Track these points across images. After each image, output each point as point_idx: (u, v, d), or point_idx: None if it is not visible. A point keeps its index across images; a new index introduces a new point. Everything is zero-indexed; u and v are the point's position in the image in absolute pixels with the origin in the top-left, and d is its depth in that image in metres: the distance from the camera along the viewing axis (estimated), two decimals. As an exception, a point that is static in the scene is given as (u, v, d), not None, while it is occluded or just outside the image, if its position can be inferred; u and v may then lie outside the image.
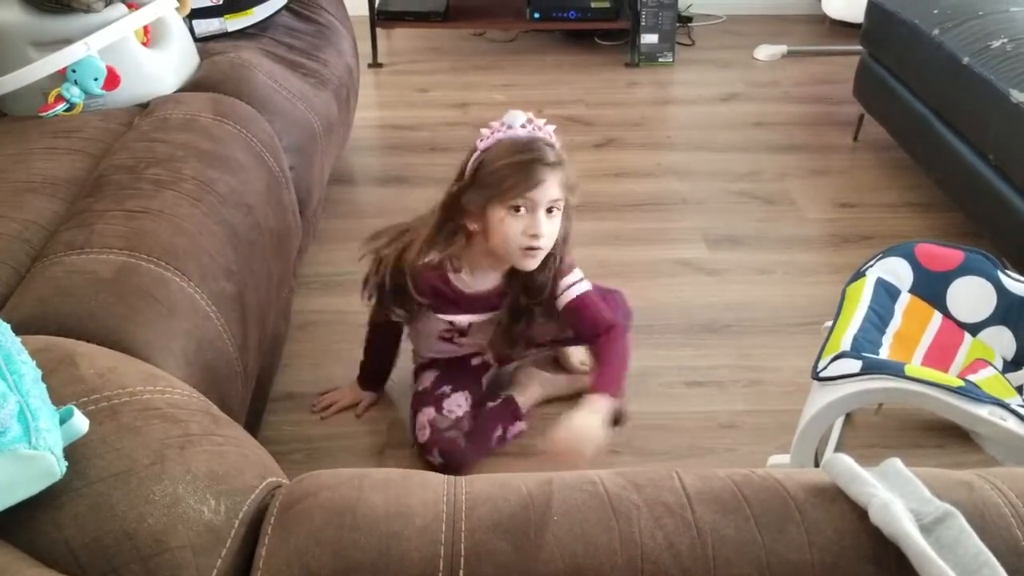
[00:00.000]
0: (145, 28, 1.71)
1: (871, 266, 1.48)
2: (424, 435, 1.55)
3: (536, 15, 3.32)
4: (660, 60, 3.33)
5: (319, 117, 1.94)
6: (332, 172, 2.19)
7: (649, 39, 3.30)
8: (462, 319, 1.57)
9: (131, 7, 1.66)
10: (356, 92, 2.43)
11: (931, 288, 1.46)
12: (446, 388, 1.61)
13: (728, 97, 3.05)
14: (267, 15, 2.07)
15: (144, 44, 1.70)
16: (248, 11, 2.03)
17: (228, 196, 1.39)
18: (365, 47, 3.11)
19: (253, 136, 1.59)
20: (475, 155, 1.42)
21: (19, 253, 1.20)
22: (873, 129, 2.58)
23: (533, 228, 1.39)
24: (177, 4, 1.78)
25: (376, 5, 3.30)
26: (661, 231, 2.26)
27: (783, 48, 3.36)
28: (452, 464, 1.51)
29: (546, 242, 1.42)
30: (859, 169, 2.57)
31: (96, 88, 1.59)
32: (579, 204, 2.28)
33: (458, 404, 1.59)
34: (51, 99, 1.57)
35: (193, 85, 1.75)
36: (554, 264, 1.49)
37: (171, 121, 1.53)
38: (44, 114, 1.57)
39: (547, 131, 1.44)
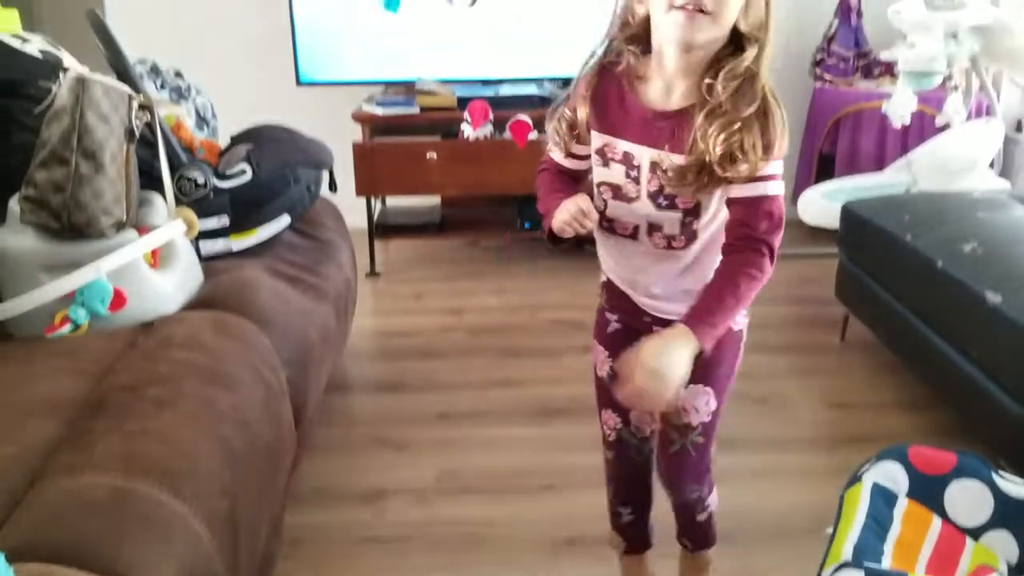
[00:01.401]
0: (153, 250, 1.79)
1: (866, 470, 1.48)
2: (611, 437, 1.49)
3: (527, 225, 3.47)
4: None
5: (317, 330, 1.99)
6: (328, 380, 2.22)
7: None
8: (638, 150, 1.25)
9: (141, 231, 1.74)
10: (354, 303, 2.50)
11: (928, 492, 1.45)
12: None
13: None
14: (271, 234, 2.16)
15: (151, 265, 1.77)
16: (253, 231, 2.12)
17: (226, 413, 1.41)
18: (363, 258, 3.22)
19: (253, 352, 1.63)
20: None
21: (16, 477, 1.20)
22: (859, 329, 2.64)
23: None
24: (186, 228, 1.86)
25: (375, 219, 3.45)
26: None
27: (766, 251, 3.47)
28: (622, 477, 1.52)
29: (711, 2, 1.11)
30: (848, 369, 2.61)
31: (102, 309, 1.64)
32: (575, 408, 2.33)
33: (647, 417, 1.44)
34: (57, 320, 1.62)
35: (197, 303, 1.80)
36: (755, 70, 1.17)
37: (173, 340, 1.57)
38: (50, 335, 1.61)
39: None
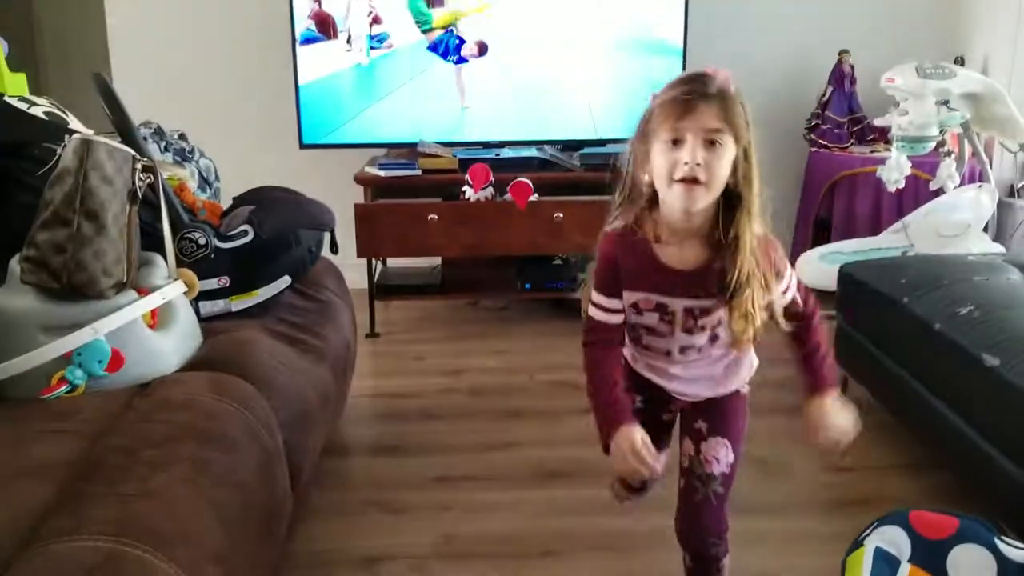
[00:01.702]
0: (153, 310, 1.79)
1: (868, 535, 1.47)
2: (636, 485, 1.70)
3: (527, 285, 3.49)
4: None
5: (316, 391, 1.99)
6: (325, 443, 2.21)
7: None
8: (670, 301, 1.43)
9: (141, 292, 1.75)
10: (353, 364, 2.50)
11: (930, 557, 1.43)
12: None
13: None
14: (271, 295, 2.17)
15: (150, 326, 1.77)
16: (254, 292, 2.13)
17: (222, 476, 1.41)
18: (363, 318, 3.23)
19: (250, 414, 1.62)
20: (646, 111, 1.39)
21: (5, 542, 1.19)
22: (858, 391, 2.62)
23: (686, 156, 1.31)
24: (186, 289, 1.87)
25: (375, 280, 3.46)
26: (656, 499, 2.22)
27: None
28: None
29: (704, 174, 1.31)
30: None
31: (99, 370, 1.64)
32: (573, 470, 2.31)
33: (662, 459, 1.53)
34: (54, 381, 1.62)
35: (195, 364, 1.80)
36: (743, 223, 1.37)
37: (170, 401, 1.57)
38: (45, 396, 1.60)
39: (725, 74, 1.36)
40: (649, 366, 1.56)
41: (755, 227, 1.39)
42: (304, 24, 3.39)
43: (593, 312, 1.49)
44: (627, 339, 1.52)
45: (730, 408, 1.58)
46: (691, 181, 1.32)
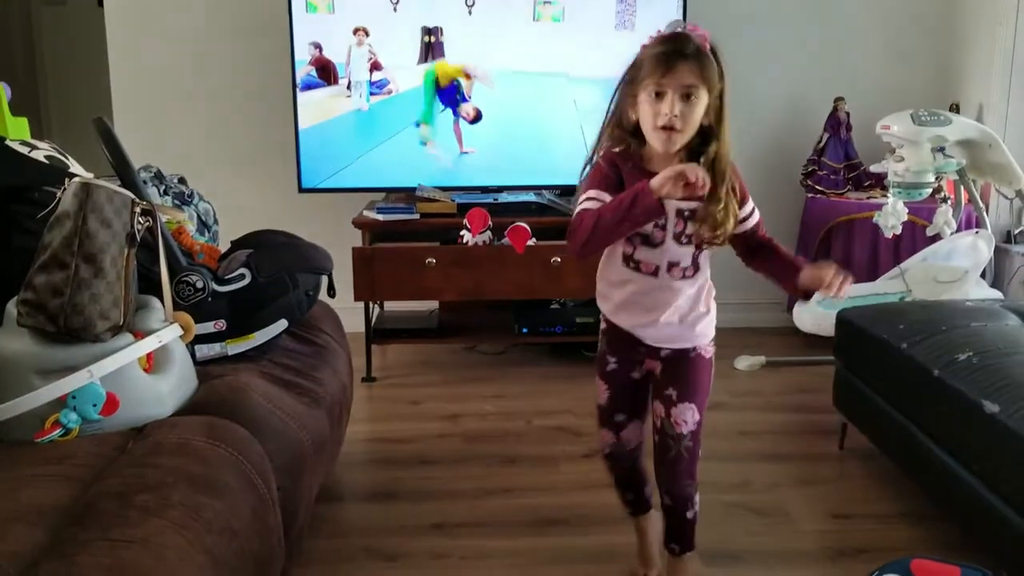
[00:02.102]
0: (148, 354, 1.78)
1: (868, 585, 1.45)
2: (606, 451, 1.91)
3: (524, 330, 3.48)
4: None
5: (311, 436, 1.97)
6: (320, 489, 2.18)
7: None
8: (666, 203, 1.60)
9: (137, 336, 1.75)
10: (349, 409, 2.48)
11: (931, 608, 1.42)
12: (621, 416, 1.87)
13: (712, 406, 3.07)
14: (268, 338, 2.16)
15: (146, 369, 1.76)
16: (250, 336, 2.12)
17: (214, 522, 1.39)
18: (360, 362, 3.22)
19: (244, 459, 1.61)
20: (633, 59, 1.64)
21: (-4, 587, 1.18)
22: (858, 437, 2.62)
23: (666, 108, 1.57)
24: (182, 332, 1.86)
25: (372, 323, 3.46)
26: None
27: (762, 359, 3.49)
28: (619, 476, 1.94)
29: (680, 123, 1.58)
30: (848, 478, 2.58)
31: (94, 414, 1.63)
32: (570, 517, 2.29)
33: (634, 435, 1.89)
34: (48, 425, 1.60)
35: (190, 408, 1.79)
36: (720, 153, 1.63)
37: (164, 446, 1.55)
38: (39, 440, 1.59)
39: (703, 33, 1.61)
40: (629, 308, 1.76)
41: (728, 151, 1.65)
42: (304, 70, 3.43)
43: (586, 204, 1.66)
44: (614, 280, 1.76)
45: (696, 374, 1.80)
46: (670, 128, 1.58)
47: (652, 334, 1.77)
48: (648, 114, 1.60)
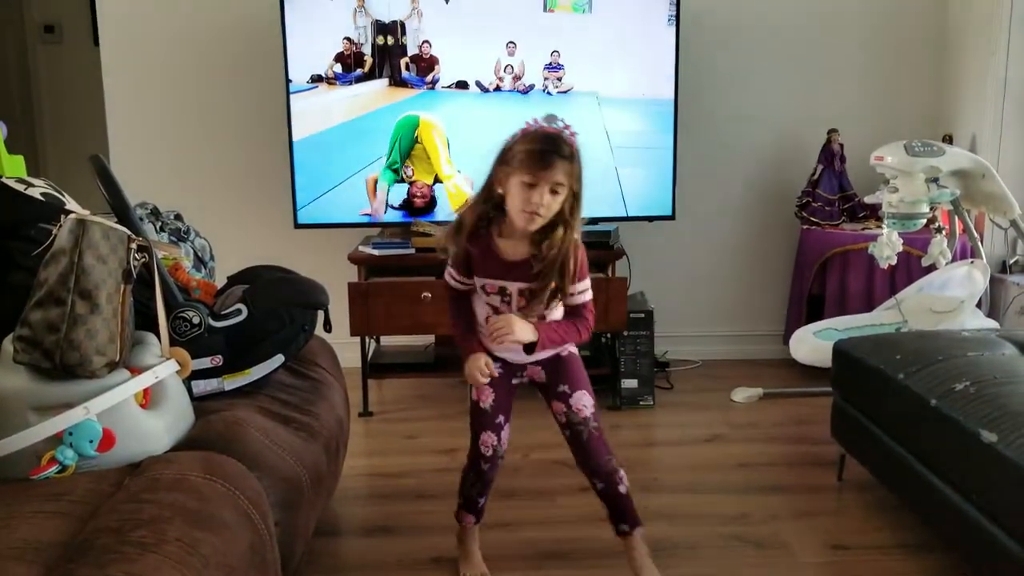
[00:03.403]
0: (145, 390, 1.78)
1: (869, 617, 1.44)
2: (488, 453, 2.13)
3: (521, 364, 3.47)
4: (641, 403, 3.44)
5: (308, 471, 1.96)
6: (317, 523, 2.17)
7: (629, 384, 3.44)
8: (508, 284, 1.97)
9: (133, 372, 1.74)
10: (345, 444, 2.47)
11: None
12: (502, 418, 2.12)
13: (711, 438, 3.12)
14: (264, 374, 2.16)
15: (142, 405, 1.76)
16: (246, 371, 2.12)
17: (211, 557, 1.38)
18: (356, 397, 3.21)
19: (241, 494, 1.60)
20: (512, 139, 1.89)
21: (-10, 626, 1.17)
22: (856, 468, 2.61)
23: (536, 199, 1.84)
24: (178, 368, 1.86)
25: (369, 358, 3.45)
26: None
27: (759, 391, 3.49)
28: (489, 479, 2.19)
29: (544, 211, 1.85)
30: (847, 509, 2.57)
31: (91, 450, 1.62)
32: (568, 551, 2.29)
33: (507, 435, 2.14)
34: (44, 462, 1.60)
35: (186, 443, 1.78)
36: (565, 239, 1.90)
37: (161, 481, 1.55)
38: (35, 476, 1.58)
39: (571, 134, 1.89)
40: (497, 350, 2.06)
41: (573, 236, 1.92)
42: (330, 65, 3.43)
43: (450, 281, 2.07)
44: (478, 325, 2.07)
45: (574, 368, 2.09)
46: (535, 213, 1.85)
47: (518, 360, 2.09)
48: (518, 198, 1.86)
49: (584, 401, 2.07)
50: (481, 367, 2.01)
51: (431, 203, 3.51)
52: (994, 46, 3.54)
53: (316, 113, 3.45)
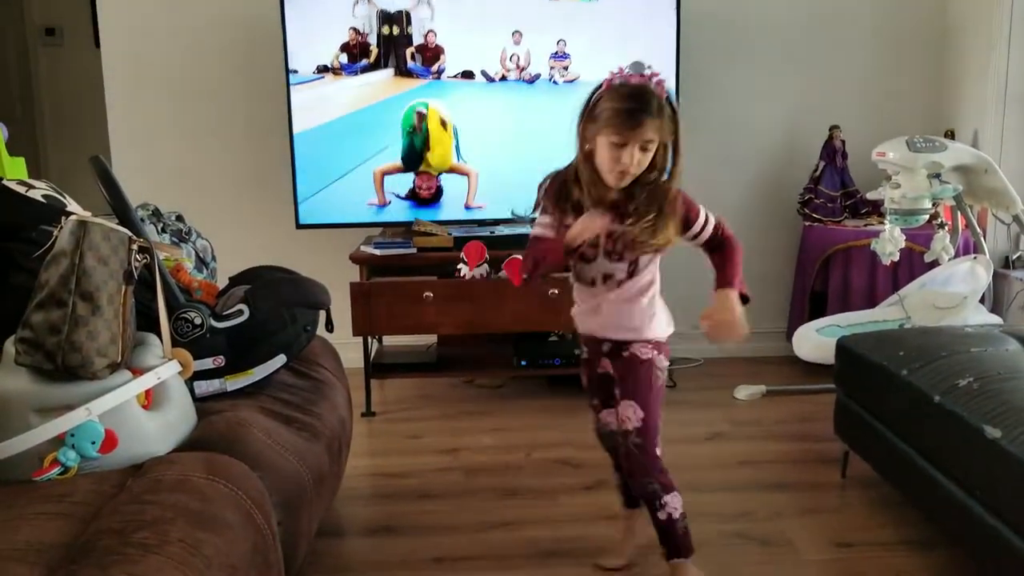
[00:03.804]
0: (147, 391, 1.78)
1: (873, 614, 1.44)
2: (594, 426, 2.14)
3: (523, 363, 3.47)
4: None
5: (310, 471, 1.96)
6: (320, 524, 2.17)
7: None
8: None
9: (135, 373, 1.74)
10: (348, 444, 2.47)
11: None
12: (595, 400, 2.10)
13: (713, 436, 3.11)
14: (267, 374, 2.16)
15: (144, 406, 1.76)
16: (249, 372, 2.11)
17: (214, 558, 1.38)
18: (359, 397, 3.21)
19: (244, 494, 1.60)
20: (597, 92, 1.82)
21: (-7, 628, 1.16)
22: (860, 465, 2.60)
23: (626, 159, 1.78)
24: (180, 369, 1.86)
25: (371, 358, 3.45)
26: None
27: (762, 388, 3.48)
28: (606, 448, 2.15)
29: (635, 169, 1.80)
30: (851, 507, 2.56)
31: (93, 451, 1.62)
32: (570, 549, 2.27)
33: (609, 418, 2.06)
34: (46, 463, 1.59)
35: (189, 444, 1.78)
36: (658, 184, 1.86)
37: (163, 482, 1.54)
38: (37, 478, 1.58)
39: (658, 83, 1.80)
40: (580, 308, 2.02)
41: (670, 185, 1.88)
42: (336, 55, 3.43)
43: (535, 229, 1.96)
44: (574, 289, 2.02)
45: (639, 375, 1.96)
46: (624, 172, 1.81)
47: (602, 332, 2.01)
48: (606, 157, 1.81)
49: (629, 412, 1.94)
50: (589, 222, 1.84)
51: (437, 194, 3.52)
52: (995, 41, 3.53)
53: (322, 104, 3.45)
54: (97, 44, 3.81)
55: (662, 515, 1.95)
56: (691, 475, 2.79)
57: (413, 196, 3.52)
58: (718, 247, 1.98)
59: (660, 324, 2.00)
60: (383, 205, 3.51)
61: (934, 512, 2.20)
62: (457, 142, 3.50)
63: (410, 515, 2.55)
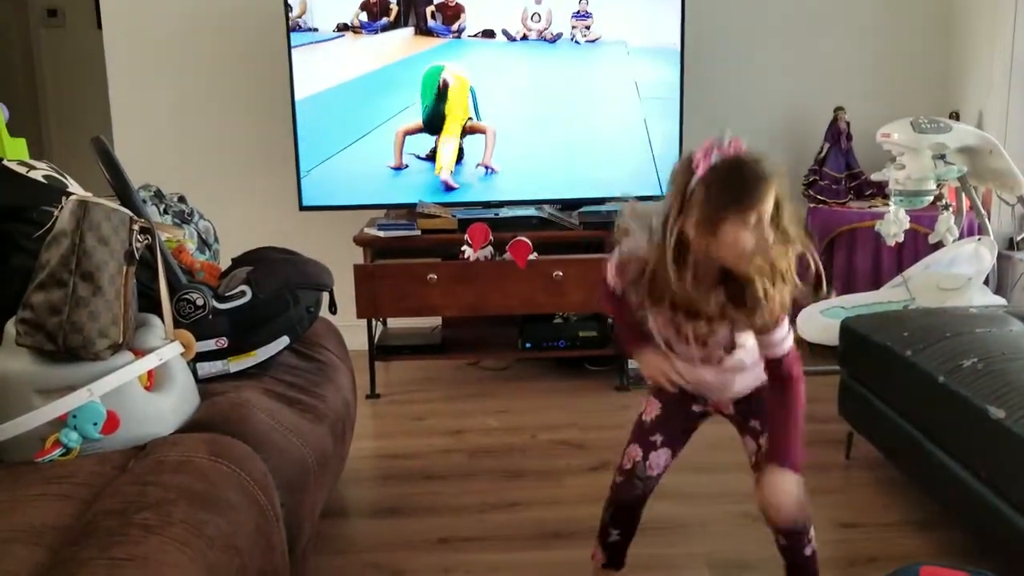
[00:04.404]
0: (149, 372, 1.78)
1: (877, 593, 1.44)
2: (627, 466, 1.83)
3: (528, 345, 3.47)
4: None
5: (314, 452, 1.96)
6: (324, 505, 2.17)
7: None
8: (682, 323, 1.66)
9: (137, 354, 1.74)
10: (352, 425, 2.47)
11: (942, 615, 1.40)
12: (659, 437, 1.84)
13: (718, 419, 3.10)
14: (269, 355, 2.16)
15: (147, 387, 1.76)
16: (252, 353, 2.11)
17: (216, 539, 1.38)
18: (363, 379, 3.21)
19: (247, 475, 1.60)
20: (694, 181, 1.52)
21: (-4, 608, 1.17)
22: (864, 446, 2.60)
23: (765, 234, 1.51)
24: (183, 350, 1.86)
25: (375, 340, 3.45)
26: (663, 556, 2.20)
27: (767, 369, 3.47)
28: (622, 501, 1.86)
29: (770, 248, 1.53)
30: (855, 487, 2.56)
31: (95, 432, 1.62)
32: (575, 531, 2.27)
33: (661, 462, 1.84)
34: (48, 444, 1.59)
35: (191, 425, 1.78)
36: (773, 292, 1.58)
37: (166, 463, 1.54)
38: (39, 459, 1.58)
39: (775, 175, 1.57)
40: (691, 374, 1.75)
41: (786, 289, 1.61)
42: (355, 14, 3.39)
43: (609, 280, 1.74)
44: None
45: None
46: (764, 253, 1.53)
47: (705, 394, 1.82)
48: (746, 245, 1.52)
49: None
50: (668, 370, 1.72)
51: (459, 156, 3.50)
52: (1001, 23, 3.50)
53: (339, 64, 3.43)
54: (99, 25, 3.79)
55: (807, 551, 1.85)
56: (696, 455, 2.77)
57: (433, 158, 3.49)
58: (775, 385, 1.71)
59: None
60: (399, 168, 3.48)
61: (937, 492, 2.20)
62: (475, 102, 3.46)
63: (414, 496, 2.55)
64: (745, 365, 1.73)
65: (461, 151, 3.49)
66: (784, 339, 1.66)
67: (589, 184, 3.53)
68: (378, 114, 3.46)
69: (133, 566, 1.22)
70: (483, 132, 3.48)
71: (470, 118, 3.47)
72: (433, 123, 3.47)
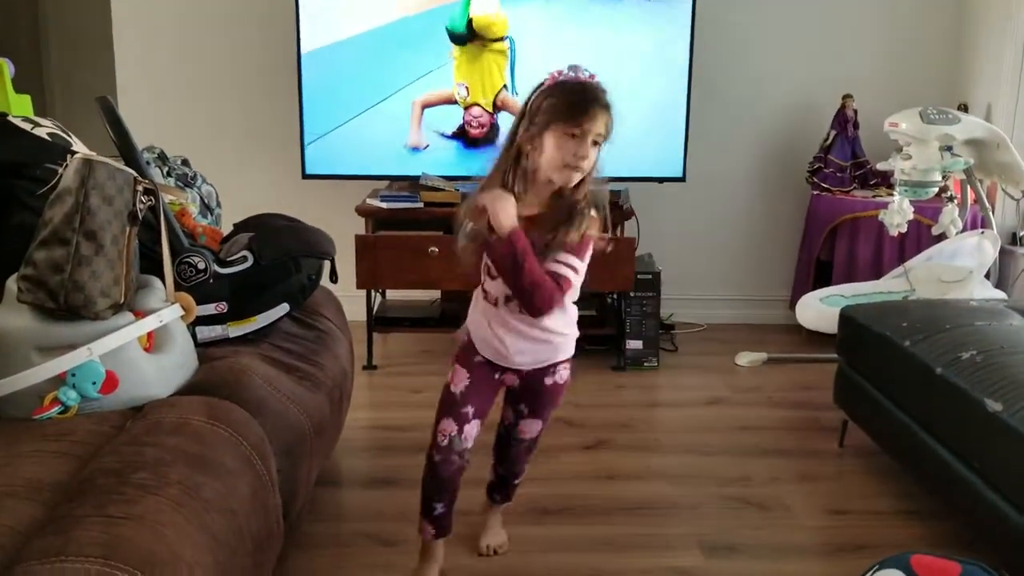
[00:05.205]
0: (149, 333, 1.77)
1: (868, 578, 1.44)
2: (442, 443, 1.89)
3: (526, 321, 3.46)
4: (645, 365, 3.44)
5: (311, 420, 1.97)
6: (319, 474, 2.18)
7: (634, 345, 3.43)
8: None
9: (137, 315, 1.74)
10: (349, 395, 2.47)
11: (931, 603, 1.41)
12: (470, 408, 1.89)
13: (713, 401, 3.12)
14: (269, 322, 2.15)
15: (146, 349, 1.76)
16: (251, 319, 2.11)
17: (212, 501, 1.38)
18: (361, 350, 3.21)
19: (244, 440, 1.60)
20: (539, 91, 1.74)
21: (-9, 561, 1.17)
22: (858, 435, 2.61)
23: (582, 151, 1.70)
24: (183, 312, 1.85)
25: (374, 312, 3.45)
26: (654, 537, 2.21)
27: (763, 355, 3.48)
28: (443, 478, 1.93)
29: (586, 164, 1.72)
30: (848, 475, 2.57)
31: (93, 392, 1.62)
32: (569, 507, 2.29)
33: (474, 433, 1.90)
34: (46, 402, 1.60)
35: (190, 388, 1.78)
36: (584, 191, 1.76)
37: (163, 425, 1.55)
38: (37, 417, 1.58)
39: (599, 82, 1.75)
40: (483, 340, 1.90)
41: (587, 188, 1.78)
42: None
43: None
44: (473, 304, 1.96)
45: (550, 398, 1.95)
46: (575, 167, 1.72)
47: (505, 359, 1.88)
48: (555, 154, 1.71)
49: (533, 428, 2.00)
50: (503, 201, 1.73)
51: (491, 133, 3.30)
52: (1012, 15, 3.48)
53: (350, 10, 3.23)
54: (105, -15, 3.76)
55: (517, 482, 2.14)
56: (690, 438, 2.80)
57: (461, 134, 3.32)
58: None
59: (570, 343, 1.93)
60: (417, 148, 3.32)
61: (931, 483, 2.21)
62: (513, 63, 3.19)
63: (409, 468, 2.53)
64: (534, 326, 1.83)
65: (496, 127, 3.29)
66: (570, 268, 1.76)
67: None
68: (391, 79, 3.28)
69: (129, 524, 1.22)
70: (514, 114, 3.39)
71: (505, 86, 3.23)
72: (459, 36, 3.10)
